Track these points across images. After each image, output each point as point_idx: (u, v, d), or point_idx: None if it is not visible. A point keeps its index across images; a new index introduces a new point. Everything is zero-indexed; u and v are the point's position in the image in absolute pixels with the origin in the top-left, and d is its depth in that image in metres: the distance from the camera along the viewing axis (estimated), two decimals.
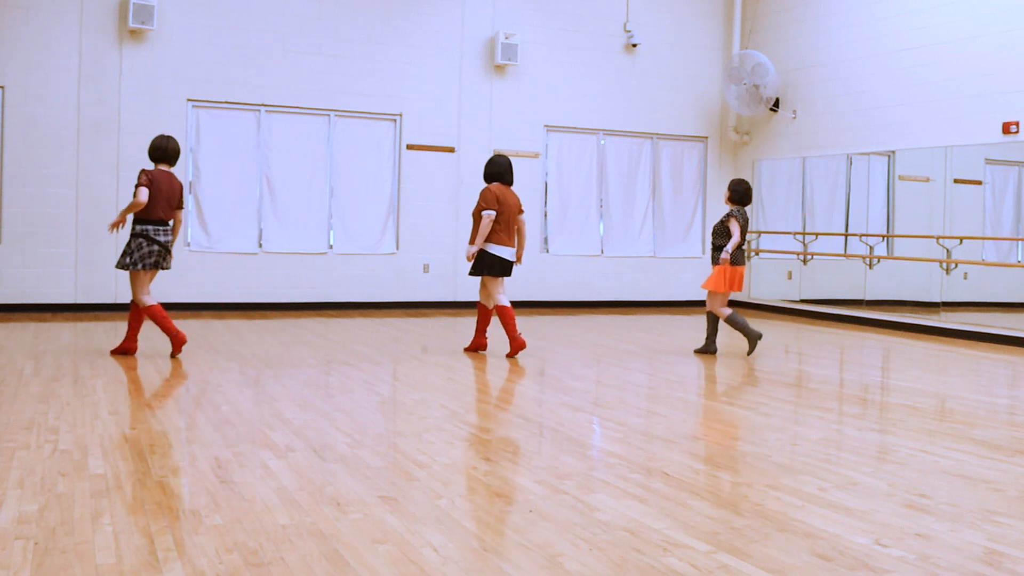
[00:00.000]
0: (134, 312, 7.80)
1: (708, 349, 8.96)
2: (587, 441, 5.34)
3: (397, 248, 12.68)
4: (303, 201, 12.25)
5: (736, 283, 8.63)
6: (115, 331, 9.60)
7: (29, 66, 10.88)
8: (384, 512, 3.81)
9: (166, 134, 8.04)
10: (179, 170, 11.38)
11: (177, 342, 7.74)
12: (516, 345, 8.30)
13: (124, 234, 11.32)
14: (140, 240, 7.61)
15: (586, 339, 10.00)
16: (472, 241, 8.28)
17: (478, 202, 8.33)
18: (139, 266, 7.57)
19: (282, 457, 4.67)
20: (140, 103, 11.34)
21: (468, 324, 11.14)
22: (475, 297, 12.84)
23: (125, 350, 7.89)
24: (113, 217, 11.23)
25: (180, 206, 7.83)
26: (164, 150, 7.76)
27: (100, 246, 11.24)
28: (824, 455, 5.04)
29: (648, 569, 3.26)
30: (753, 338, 8.70)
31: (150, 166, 8.14)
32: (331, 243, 12.40)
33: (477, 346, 8.67)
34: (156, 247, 7.63)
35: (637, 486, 4.29)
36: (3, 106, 10.85)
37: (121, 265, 7.60)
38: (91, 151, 11.17)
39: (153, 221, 7.62)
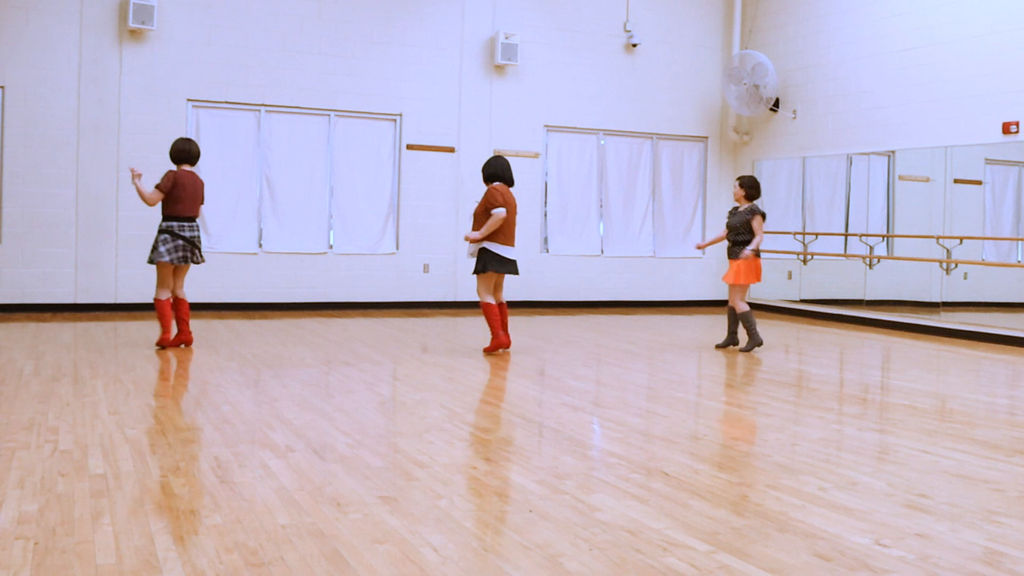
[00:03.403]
0: (179, 304, 8.43)
1: (730, 343, 9.40)
2: (587, 441, 5.34)
3: (397, 248, 12.68)
4: (303, 201, 12.26)
5: (757, 275, 9.15)
6: (115, 331, 9.60)
7: (29, 66, 10.88)
8: (384, 512, 3.81)
9: (186, 137, 8.80)
10: None
11: (163, 339, 8.35)
12: (496, 343, 8.52)
13: (121, 235, 11.36)
14: (165, 236, 8.18)
15: (586, 339, 9.99)
16: (478, 233, 8.33)
17: (483, 201, 8.40)
18: (165, 258, 8.13)
19: (282, 457, 4.67)
20: (140, 103, 11.34)
21: (468, 324, 11.14)
22: (474, 297, 12.84)
23: (182, 342, 8.47)
24: (113, 218, 11.26)
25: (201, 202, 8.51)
26: (188, 152, 8.35)
27: (100, 246, 11.24)
28: (824, 455, 5.04)
29: (648, 569, 3.26)
30: (755, 341, 9.18)
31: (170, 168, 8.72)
32: (331, 243, 12.40)
33: (498, 344, 8.60)
34: (181, 242, 8.20)
35: (637, 486, 4.29)
36: (3, 106, 10.85)
37: (150, 260, 8.20)
38: (91, 151, 11.17)
39: (178, 217, 8.22)
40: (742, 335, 10.00)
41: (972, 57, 10.74)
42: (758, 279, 9.17)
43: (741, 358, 8.80)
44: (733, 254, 9.19)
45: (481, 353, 8.59)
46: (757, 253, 9.16)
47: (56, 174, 11.05)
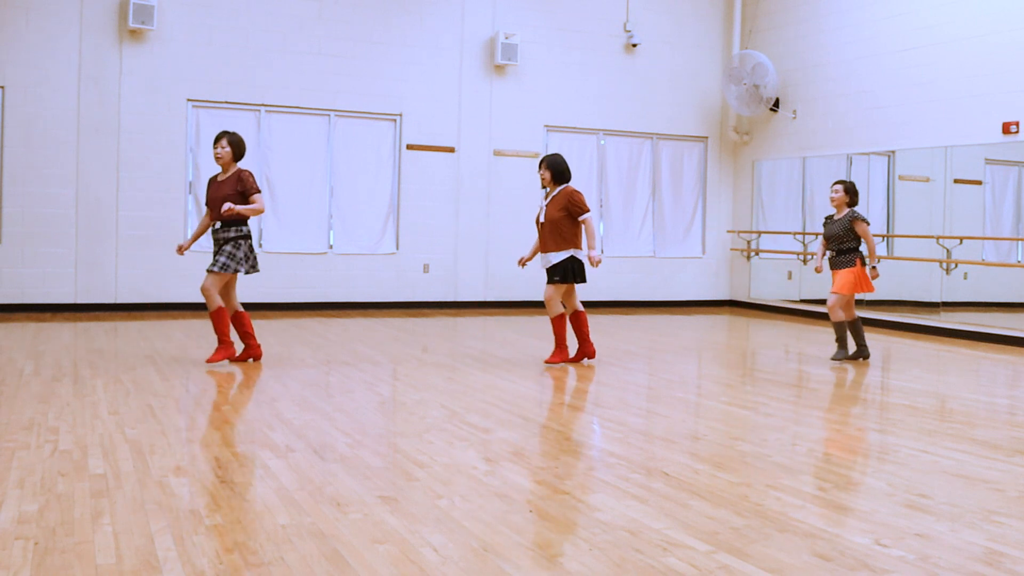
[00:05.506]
0: (234, 318, 7.47)
1: (861, 354, 8.65)
2: (587, 441, 5.34)
3: (397, 248, 12.68)
4: (303, 201, 12.26)
5: (867, 284, 8.52)
6: (115, 331, 9.60)
7: (29, 66, 10.88)
8: (384, 512, 3.81)
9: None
10: (179, 170, 11.52)
11: (229, 354, 7.43)
12: (582, 352, 8.03)
13: (121, 235, 11.34)
14: (250, 243, 7.35)
15: None
16: (592, 246, 7.72)
17: (575, 204, 7.71)
18: (242, 269, 7.28)
19: (282, 457, 4.66)
20: (140, 103, 11.34)
21: (468, 324, 11.14)
22: (474, 297, 12.89)
23: (250, 356, 7.57)
24: (113, 218, 11.25)
25: None
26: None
27: (100, 246, 11.24)
28: (824, 455, 5.03)
29: (648, 569, 3.25)
30: (844, 353, 8.62)
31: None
32: (331, 243, 12.40)
33: (585, 354, 8.06)
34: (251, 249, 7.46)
35: (637, 486, 4.29)
36: (3, 106, 10.84)
37: (225, 268, 7.20)
38: (91, 151, 11.17)
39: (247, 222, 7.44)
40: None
41: (972, 57, 10.73)
42: (870, 288, 8.49)
43: (738, 359, 8.79)
44: (837, 264, 8.50)
45: (583, 364, 8.52)
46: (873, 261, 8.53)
47: (56, 174, 11.05)
